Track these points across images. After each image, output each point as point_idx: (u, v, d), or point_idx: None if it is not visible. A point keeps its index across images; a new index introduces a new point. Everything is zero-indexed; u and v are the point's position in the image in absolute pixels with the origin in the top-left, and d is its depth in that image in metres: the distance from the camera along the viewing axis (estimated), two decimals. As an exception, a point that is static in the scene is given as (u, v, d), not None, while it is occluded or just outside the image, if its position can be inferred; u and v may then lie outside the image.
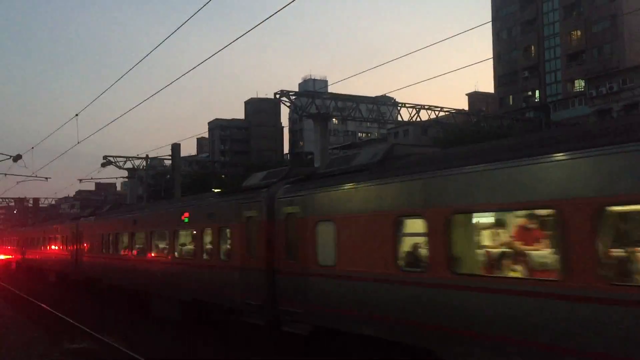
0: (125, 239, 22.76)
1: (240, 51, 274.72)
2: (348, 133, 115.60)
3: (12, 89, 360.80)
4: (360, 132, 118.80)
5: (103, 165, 52.19)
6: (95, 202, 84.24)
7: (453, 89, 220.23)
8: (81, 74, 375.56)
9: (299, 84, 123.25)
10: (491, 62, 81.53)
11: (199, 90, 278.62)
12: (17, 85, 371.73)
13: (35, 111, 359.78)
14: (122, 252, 22.99)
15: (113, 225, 24.37)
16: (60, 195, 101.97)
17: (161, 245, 19.74)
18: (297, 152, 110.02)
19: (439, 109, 46.40)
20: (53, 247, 34.86)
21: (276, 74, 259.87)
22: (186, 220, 17.60)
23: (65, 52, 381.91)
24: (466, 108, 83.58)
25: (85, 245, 27.84)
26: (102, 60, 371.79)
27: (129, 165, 57.76)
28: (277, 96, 40.91)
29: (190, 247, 17.87)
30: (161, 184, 68.32)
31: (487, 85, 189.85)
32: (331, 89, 72.91)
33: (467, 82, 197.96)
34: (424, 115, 46.13)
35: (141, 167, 60.43)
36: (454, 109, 50.88)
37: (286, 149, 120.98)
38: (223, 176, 75.11)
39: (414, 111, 45.11)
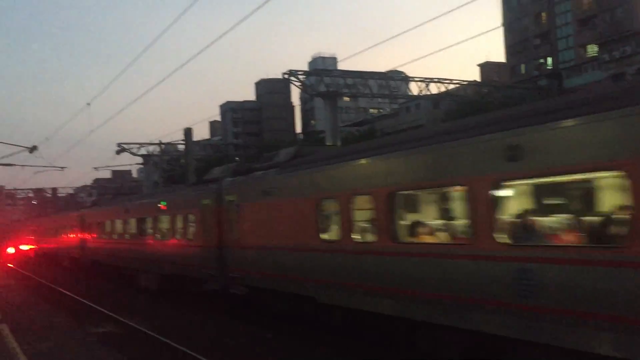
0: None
1: (249, 32, 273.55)
2: (360, 110, 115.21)
3: (24, 81, 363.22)
4: (372, 108, 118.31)
5: (117, 152, 52.65)
6: (112, 190, 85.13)
7: (464, 60, 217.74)
8: (92, 62, 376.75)
9: (309, 62, 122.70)
10: (502, 31, 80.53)
11: (209, 74, 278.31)
12: (29, 77, 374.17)
13: (49, 102, 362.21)
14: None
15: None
16: (78, 184, 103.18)
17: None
18: (310, 131, 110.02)
19: (448, 81, 46.05)
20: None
21: (285, 53, 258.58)
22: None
23: (75, 40, 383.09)
24: (478, 79, 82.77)
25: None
26: (112, 47, 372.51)
27: (143, 151, 58.27)
28: (286, 76, 40.87)
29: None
30: (176, 169, 68.80)
31: (498, 55, 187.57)
32: (341, 65, 72.64)
33: (478, 53, 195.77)
34: (434, 89, 45.83)
35: (155, 152, 60.93)
36: (465, 81, 50.47)
37: (298, 128, 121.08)
38: (237, 158, 75.52)
39: (424, 85, 44.85)
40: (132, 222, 24.80)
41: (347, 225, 11.10)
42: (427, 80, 44.59)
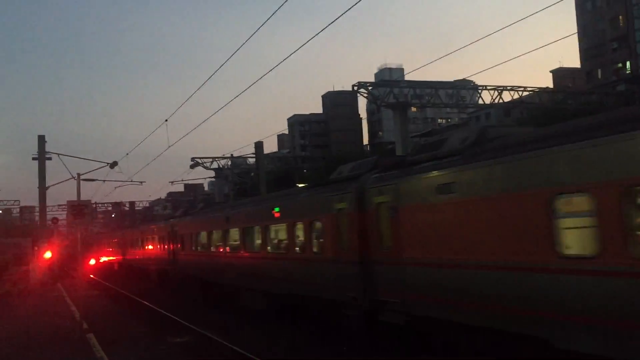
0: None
1: (315, 46, 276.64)
2: (427, 120, 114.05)
3: (105, 100, 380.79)
4: (440, 119, 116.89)
5: (192, 167, 54.23)
6: (185, 203, 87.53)
7: (536, 67, 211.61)
8: (168, 79, 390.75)
9: (375, 74, 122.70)
10: (575, 36, 77.77)
11: (278, 88, 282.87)
12: (109, 95, 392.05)
13: (128, 119, 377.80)
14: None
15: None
16: (153, 198, 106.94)
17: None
18: (377, 143, 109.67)
19: (522, 88, 44.85)
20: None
21: (352, 65, 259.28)
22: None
23: (151, 59, 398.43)
24: (551, 86, 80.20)
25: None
26: (186, 65, 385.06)
27: (215, 165, 59.73)
28: (355, 88, 40.93)
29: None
30: (246, 182, 70.05)
31: (572, 60, 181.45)
32: (408, 77, 71.98)
33: (550, 59, 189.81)
34: (507, 97, 44.75)
35: (226, 166, 62.32)
36: (539, 88, 49.01)
37: (365, 140, 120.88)
38: (305, 170, 76.15)
39: (496, 93, 43.84)
40: (235, 233, 21.75)
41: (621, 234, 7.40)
42: (501, 89, 43.58)
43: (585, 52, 77.46)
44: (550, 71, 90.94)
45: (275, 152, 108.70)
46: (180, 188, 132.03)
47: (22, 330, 17.69)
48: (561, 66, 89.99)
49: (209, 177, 67.34)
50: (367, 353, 12.99)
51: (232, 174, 66.67)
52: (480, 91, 44.86)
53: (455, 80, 62.72)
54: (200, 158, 56.78)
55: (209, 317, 19.88)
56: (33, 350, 14.29)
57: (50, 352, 13.92)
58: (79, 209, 17.64)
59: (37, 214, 68.54)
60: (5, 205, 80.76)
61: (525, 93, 45.94)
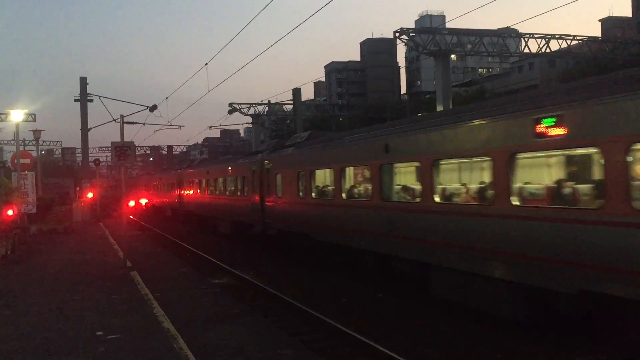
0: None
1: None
2: (468, 69, 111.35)
3: (147, 44, 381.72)
4: (481, 68, 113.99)
5: (229, 112, 54.37)
6: (221, 148, 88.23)
7: (582, 16, 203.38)
8: (208, 24, 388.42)
9: (415, 21, 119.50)
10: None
11: (316, 35, 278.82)
12: (151, 39, 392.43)
13: (168, 63, 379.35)
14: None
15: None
16: (192, 142, 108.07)
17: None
18: (415, 92, 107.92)
19: (571, 37, 43.12)
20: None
21: (391, 12, 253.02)
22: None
23: (192, 3, 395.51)
24: (599, 36, 77.02)
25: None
26: (226, 10, 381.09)
27: (252, 111, 59.76)
28: (396, 35, 39.93)
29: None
30: (282, 129, 70.06)
31: (622, 9, 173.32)
32: (449, 24, 69.87)
33: (599, 8, 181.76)
34: (554, 46, 43.19)
35: (263, 113, 62.29)
36: (590, 37, 47.06)
37: (403, 90, 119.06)
38: (341, 119, 75.59)
39: (543, 42, 42.26)
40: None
41: None
42: (548, 37, 41.99)
43: (637, 0, 73.82)
44: (599, 20, 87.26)
45: (311, 100, 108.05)
46: (216, 134, 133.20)
47: (70, 265, 18.29)
48: (610, 15, 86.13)
49: (246, 123, 67.49)
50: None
51: (269, 121, 66.71)
52: (526, 39, 43.32)
53: (498, 29, 60.42)
54: (237, 104, 56.82)
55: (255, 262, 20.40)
56: (83, 284, 14.76)
57: (99, 287, 14.36)
58: (123, 149, 17.84)
59: (79, 155, 70.15)
60: (48, 145, 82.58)
61: (573, 42, 44.20)
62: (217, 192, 29.40)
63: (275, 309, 13.01)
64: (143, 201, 54.39)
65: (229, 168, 27.31)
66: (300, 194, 18.08)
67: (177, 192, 39.31)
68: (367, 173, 14.54)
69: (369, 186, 14.07)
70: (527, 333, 9.76)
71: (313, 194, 17.29)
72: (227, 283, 16.70)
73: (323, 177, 17.60)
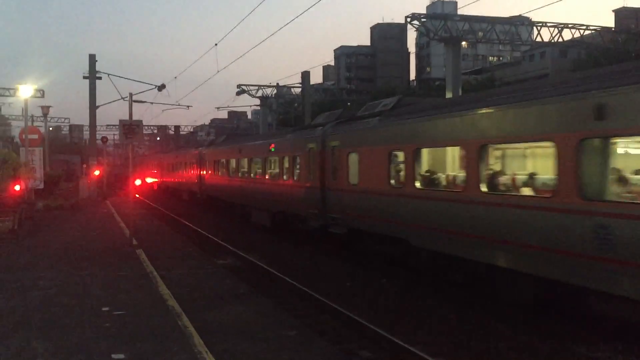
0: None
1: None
2: (478, 57, 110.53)
3: (156, 23, 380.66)
4: (492, 56, 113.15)
5: (238, 93, 54.29)
6: (228, 129, 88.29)
7: (595, 6, 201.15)
8: (218, 4, 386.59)
9: (427, 7, 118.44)
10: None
11: (326, 18, 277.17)
12: (161, 18, 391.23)
13: (177, 43, 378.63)
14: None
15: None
16: (199, 123, 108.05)
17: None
18: (424, 79, 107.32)
19: (584, 27, 42.64)
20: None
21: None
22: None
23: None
24: (612, 26, 76.21)
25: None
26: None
27: (260, 94, 59.61)
28: (407, 20, 39.57)
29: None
30: (290, 112, 69.91)
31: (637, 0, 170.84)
32: (461, 11, 69.34)
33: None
34: (567, 36, 42.72)
35: (271, 95, 62.13)
36: (603, 27, 46.53)
37: (412, 76, 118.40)
38: (349, 103, 75.34)
39: (556, 31, 41.82)
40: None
41: None
42: (561, 26, 41.53)
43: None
44: (613, 10, 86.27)
45: (320, 84, 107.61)
46: (223, 115, 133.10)
47: (76, 242, 18.40)
48: (624, 6, 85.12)
49: (254, 105, 67.38)
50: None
51: (277, 103, 66.56)
52: (539, 28, 42.87)
53: (510, 17, 59.76)
54: (246, 85, 56.66)
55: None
56: (88, 260, 14.86)
57: (105, 263, 14.45)
58: (131, 128, 17.84)
59: (86, 132, 70.28)
60: (56, 122, 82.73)
61: (586, 32, 43.74)
62: (252, 174, 24.61)
63: (279, 290, 13.08)
64: (149, 180, 54.20)
65: (272, 146, 22.21)
66: (393, 181, 13.56)
67: (198, 173, 34.87)
68: (548, 152, 9.35)
69: (552, 176, 9.09)
70: (526, 322, 9.81)
71: (418, 183, 12.65)
72: (229, 264, 16.78)
73: (438, 159, 13.44)
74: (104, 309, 9.88)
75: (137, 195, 39.35)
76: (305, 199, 18.27)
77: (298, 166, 19.40)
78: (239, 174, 26.32)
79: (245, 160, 25.51)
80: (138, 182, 54.36)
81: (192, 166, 36.49)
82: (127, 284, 12.06)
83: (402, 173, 13.28)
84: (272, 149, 21.99)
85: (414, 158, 12.65)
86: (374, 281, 13.71)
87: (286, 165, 20.51)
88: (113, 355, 7.51)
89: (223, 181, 29.04)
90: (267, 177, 22.66)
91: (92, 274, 13.02)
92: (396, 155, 13.61)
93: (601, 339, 8.79)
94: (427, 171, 13.05)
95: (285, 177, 20.56)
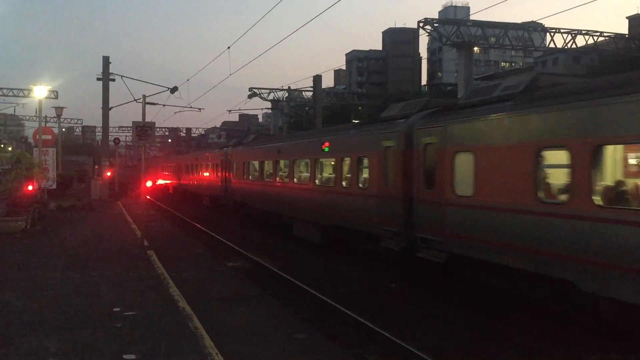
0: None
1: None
2: (490, 63, 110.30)
3: (169, 25, 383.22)
4: (504, 62, 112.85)
5: (249, 96, 54.43)
6: (239, 132, 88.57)
7: (609, 13, 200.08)
8: (231, 7, 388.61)
9: (439, 12, 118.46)
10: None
11: (338, 22, 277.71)
12: (174, 20, 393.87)
13: (190, 45, 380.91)
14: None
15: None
16: (210, 125, 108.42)
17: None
18: (436, 84, 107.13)
19: (598, 33, 42.46)
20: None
21: (415, 2, 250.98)
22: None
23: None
24: (625, 33, 75.73)
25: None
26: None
27: (272, 97, 59.80)
28: (420, 25, 39.61)
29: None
30: (301, 116, 70.04)
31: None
32: (474, 17, 69.23)
33: (627, 4, 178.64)
34: (580, 42, 42.55)
35: (283, 99, 62.31)
36: (618, 34, 46.33)
37: (424, 81, 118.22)
38: (360, 108, 75.38)
39: (569, 37, 41.67)
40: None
41: None
42: (575, 32, 41.39)
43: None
44: (627, 17, 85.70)
45: (331, 88, 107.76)
46: (234, 118, 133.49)
47: (88, 242, 18.49)
48: (639, 12, 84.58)
49: (266, 108, 67.59)
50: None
51: (288, 107, 66.72)
52: (552, 34, 42.75)
53: (523, 22, 59.60)
54: (257, 89, 56.84)
55: (260, 245, 20.45)
56: (100, 260, 14.93)
57: (116, 264, 14.51)
58: (144, 129, 17.95)
59: (99, 133, 70.74)
60: (69, 123, 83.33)
61: (600, 39, 43.54)
62: (295, 179, 20.91)
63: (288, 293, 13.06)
64: (163, 182, 53.83)
65: (325, 145, 18.45)
66: (542, 194, 9.49)
67: (222, 176, 31.49)
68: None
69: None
70: (536, 328, 9.76)
71: (597, 198, 8.41)
72: (240, 266, 16.80)
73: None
74: (115, 309, 9.92)
75: (147, 197, 39.67)
76: (377, 212, 14.49)
77: (366, 170, 15.67)
78: (277, 178, 22.61)
79: (286, 162, 21.98)
80: (149, 183, 54.47)
81: (216, 168, 33.30)
82: (138, 284, 12.11)
83: (562, 182, 9.22)
84: (326, 149, 18.23)
85: (591, 160, 8.41)
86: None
87: (346, 168, 16.84)
88: (124, 356, 7.55)
89: (255, 186, 25.34)
90: (317, 182, 18.88)
91: (103, 275, 13.08)
92: (551, 156, 9.46)
93: (613, 348, 8.73)
94: (617, 181, 8.68)
95: (344, 183, 16.78)
